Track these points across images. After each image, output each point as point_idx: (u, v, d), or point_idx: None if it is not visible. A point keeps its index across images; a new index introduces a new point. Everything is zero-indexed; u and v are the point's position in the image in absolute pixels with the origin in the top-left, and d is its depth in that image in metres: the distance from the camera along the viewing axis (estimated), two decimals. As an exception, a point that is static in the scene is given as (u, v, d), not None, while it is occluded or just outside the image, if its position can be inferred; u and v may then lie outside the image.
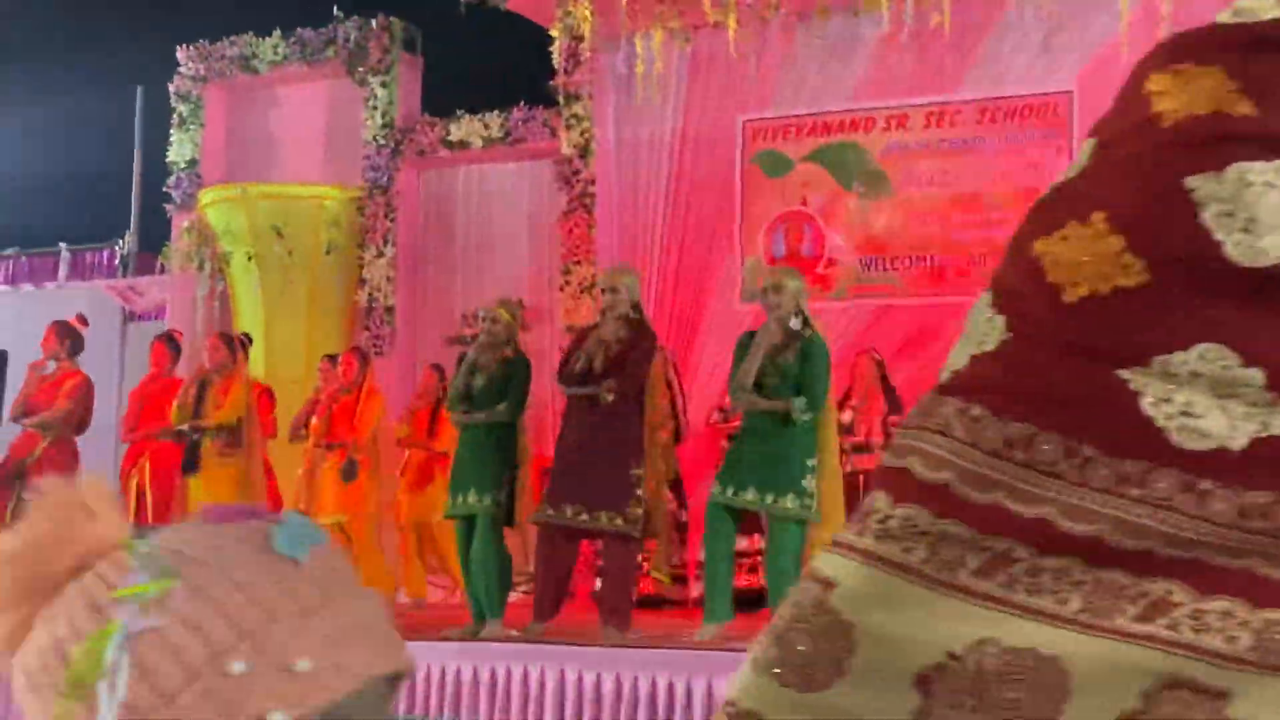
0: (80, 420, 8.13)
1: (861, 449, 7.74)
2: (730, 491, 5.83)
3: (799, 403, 5.72)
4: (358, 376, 8.48)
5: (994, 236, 8.67)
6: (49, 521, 0.85)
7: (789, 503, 5.71)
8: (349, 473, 8.19)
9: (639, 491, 6.03)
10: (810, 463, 5.78)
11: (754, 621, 6.21)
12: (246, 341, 8.37)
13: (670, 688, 5.02)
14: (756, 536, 7.53)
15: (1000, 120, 8.73)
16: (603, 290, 6.40)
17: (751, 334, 6.08)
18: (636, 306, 6.28)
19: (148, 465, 7.85)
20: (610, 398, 6.00)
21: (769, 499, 5.74)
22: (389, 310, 10.39)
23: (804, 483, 5.74)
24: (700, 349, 9.24)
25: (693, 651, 5.39)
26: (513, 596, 6.51)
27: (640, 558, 6.56)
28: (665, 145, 9.59)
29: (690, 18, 9.24)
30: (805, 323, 5.96)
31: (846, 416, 7.65)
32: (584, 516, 6.01)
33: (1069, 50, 8.54)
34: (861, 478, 7.66)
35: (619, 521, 5.99)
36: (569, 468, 6.10)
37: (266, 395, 8.48)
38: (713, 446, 8.31)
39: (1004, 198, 8.69)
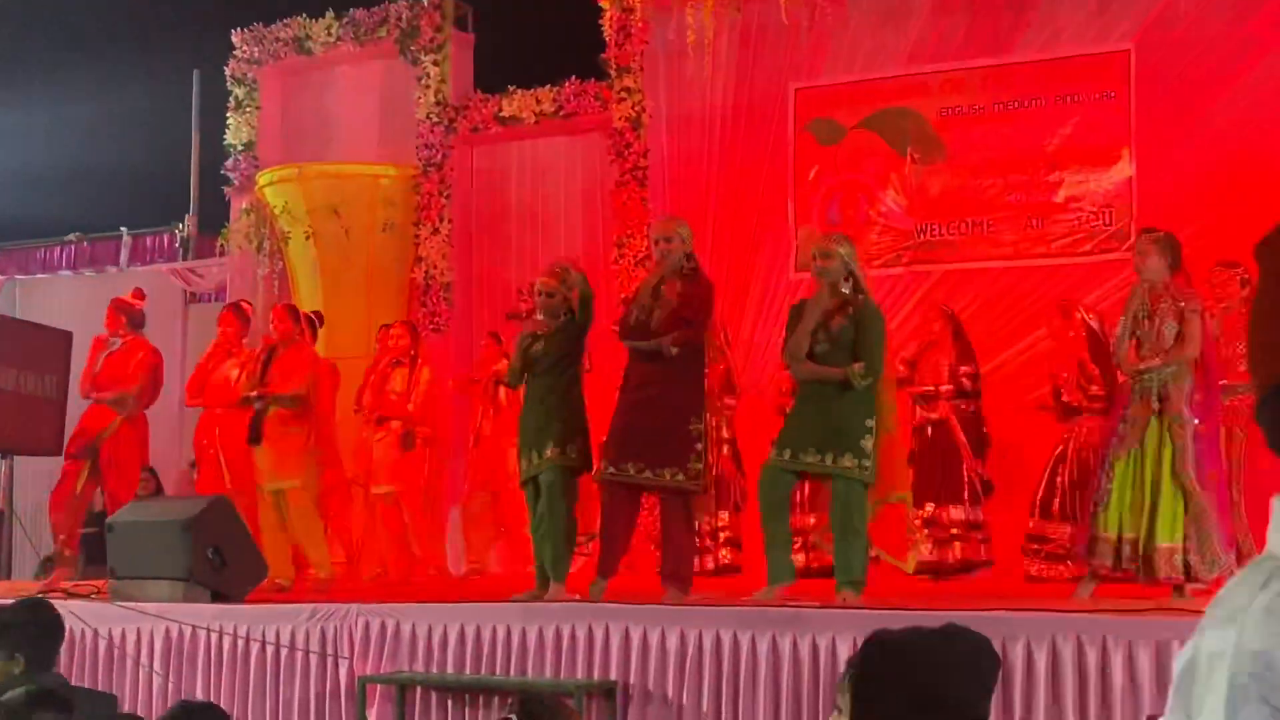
0: (151, 395, 8.05)
1: (929, 398, 7.69)
2: (788, 454, 5.80)
3: (856, 369, 5.68)
4: (410, 349, 8.59)
5: (1051, 199, 8.59)
6: None
7: (846, 462, 5.69)
8: (407, 442, 8.38)
9: (699, 446, 5.97)
10: (869, 423, 5.74)
11: (813, 586, 6.21)
12: (317, 321, 8.30)
13: (735, 640, 5.02)
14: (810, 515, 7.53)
15: (1057, 81, 8.62)
16: (655, 241, 6.29)
17: (803, 302, 6.03)
18: (690, 257, 6.19)
19: (219, 432, 7.90)
20: (674, 351, 5.93)
21: (829, 459, 5.72)
22: (446, 287, 10.45)
23: (861, 443, 5.70)
24: (753, 320, 9.22)
25: (755, 609, 5.39)
26: (575, 564, 6.50)
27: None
28: (717, 116, 9.56)
29: (741, -14, 9.21)
30: (856, 287, 5.90)
31: (904, 370, 7.60)
32: (647, 474, 5.94)
33: (1126, 8, 8.43)
34: (930, 429, 7.61)
35: (680, 477, 5.94)
36: (630, 424, 6.02)
37: (333, 373, 8.55)
38: (767, 417, 8.27)
39: (1062, 159, 8.60)
